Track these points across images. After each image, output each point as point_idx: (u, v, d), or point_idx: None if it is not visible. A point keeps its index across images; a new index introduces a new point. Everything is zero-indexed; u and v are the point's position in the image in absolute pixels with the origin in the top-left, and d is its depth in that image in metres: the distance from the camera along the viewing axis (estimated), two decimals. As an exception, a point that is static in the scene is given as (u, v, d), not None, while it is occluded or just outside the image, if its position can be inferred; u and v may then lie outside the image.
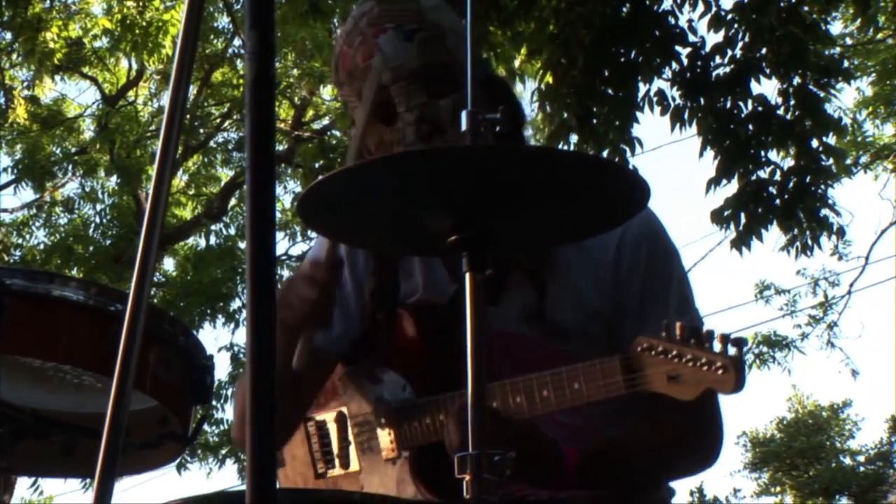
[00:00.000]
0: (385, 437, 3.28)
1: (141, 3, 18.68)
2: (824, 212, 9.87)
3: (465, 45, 3.07)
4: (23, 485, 20.79)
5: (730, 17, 9.64)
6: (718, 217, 9.74)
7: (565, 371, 2.99)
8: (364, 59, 3.16)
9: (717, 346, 2.80)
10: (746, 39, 9.67)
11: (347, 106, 3.35)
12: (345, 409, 3.39)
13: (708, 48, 9.70)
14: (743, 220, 9.69)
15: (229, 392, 20.06)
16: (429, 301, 3.33)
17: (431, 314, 3.29)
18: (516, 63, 10.21)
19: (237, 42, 19.10)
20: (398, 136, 3.16)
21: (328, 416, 3.43)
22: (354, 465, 3.34)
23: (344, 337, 3.38)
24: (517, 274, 3.30)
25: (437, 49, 3.08)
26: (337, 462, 3.39)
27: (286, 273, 20.96)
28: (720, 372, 2.77)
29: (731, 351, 2.78)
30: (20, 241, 21.67)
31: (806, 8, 9.91)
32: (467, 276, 2.59)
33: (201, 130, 20.74)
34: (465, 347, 2.54)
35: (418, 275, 3.38)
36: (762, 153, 9.77)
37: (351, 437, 3.34)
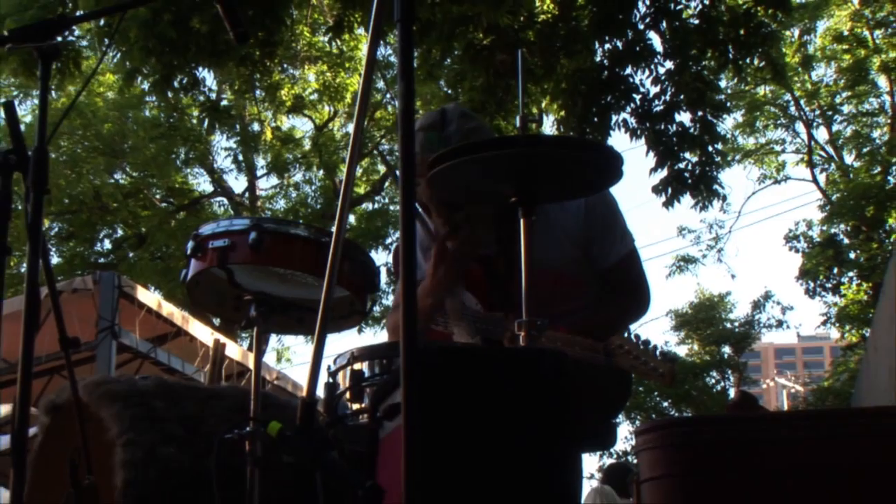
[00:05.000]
0: (465, 325, 3.24)
1: (334, 73, 18.85)
2: (715, 186, 9.80)
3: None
4: (273, 339, 21.08)
5: (663, 77, 9.55)
6: (656, 189, 9.68)
7: (573, 336, 2.77)
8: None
9: (659, 356, 2.60)
10: (672, 90, 9.57)
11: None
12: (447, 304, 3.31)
13: (651, 95, 9.61)
14: (670, 191, 9.62)
15: (390, 290, 20.18)
16: (486, 253, 3.25)
17: (488, 261, 3.24)
18: (543, 104, 10.16)
19: (388, 95, 19.11)
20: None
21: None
22: (451, 330, 3.30)
23: None
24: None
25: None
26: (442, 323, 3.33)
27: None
28: (660, 375, 2.60)
29: (668, 363, 2.59)
30: (269, 206, 21.83)
31: (706, 72, 9.82)
32: (521, 221, 2.54)
33: (368, 145, 20.71)
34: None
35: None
36: (682, 154, 9.70)
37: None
